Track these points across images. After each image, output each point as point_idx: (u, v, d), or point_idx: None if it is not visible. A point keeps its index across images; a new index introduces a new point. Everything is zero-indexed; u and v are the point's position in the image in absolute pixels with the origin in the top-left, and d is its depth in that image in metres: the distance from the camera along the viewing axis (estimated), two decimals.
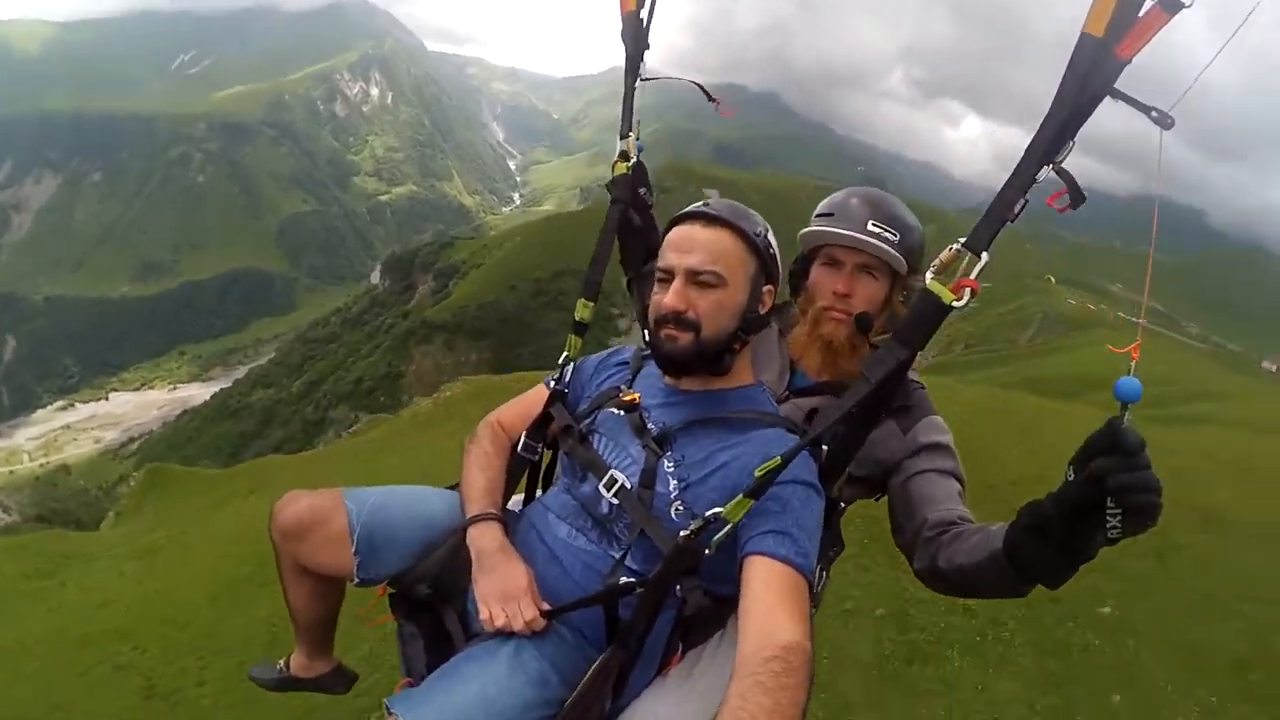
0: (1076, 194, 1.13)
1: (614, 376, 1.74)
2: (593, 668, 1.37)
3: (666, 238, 1.57)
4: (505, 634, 1.40)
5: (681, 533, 1.35)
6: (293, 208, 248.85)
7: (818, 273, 1.79)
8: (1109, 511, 1.02)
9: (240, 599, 9.04)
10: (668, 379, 1.61)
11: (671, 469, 1.49)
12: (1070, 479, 1.09)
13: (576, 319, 1.76)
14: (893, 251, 1.70)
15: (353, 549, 1.58)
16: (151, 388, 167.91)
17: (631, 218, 1.92)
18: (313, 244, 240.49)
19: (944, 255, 1.22)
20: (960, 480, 1.66)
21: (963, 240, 1.19)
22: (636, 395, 1.61)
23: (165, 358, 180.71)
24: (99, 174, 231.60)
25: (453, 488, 1.76)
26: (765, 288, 1.58)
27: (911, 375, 1.68)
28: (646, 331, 1.66)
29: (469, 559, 1.53)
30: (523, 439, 1.77)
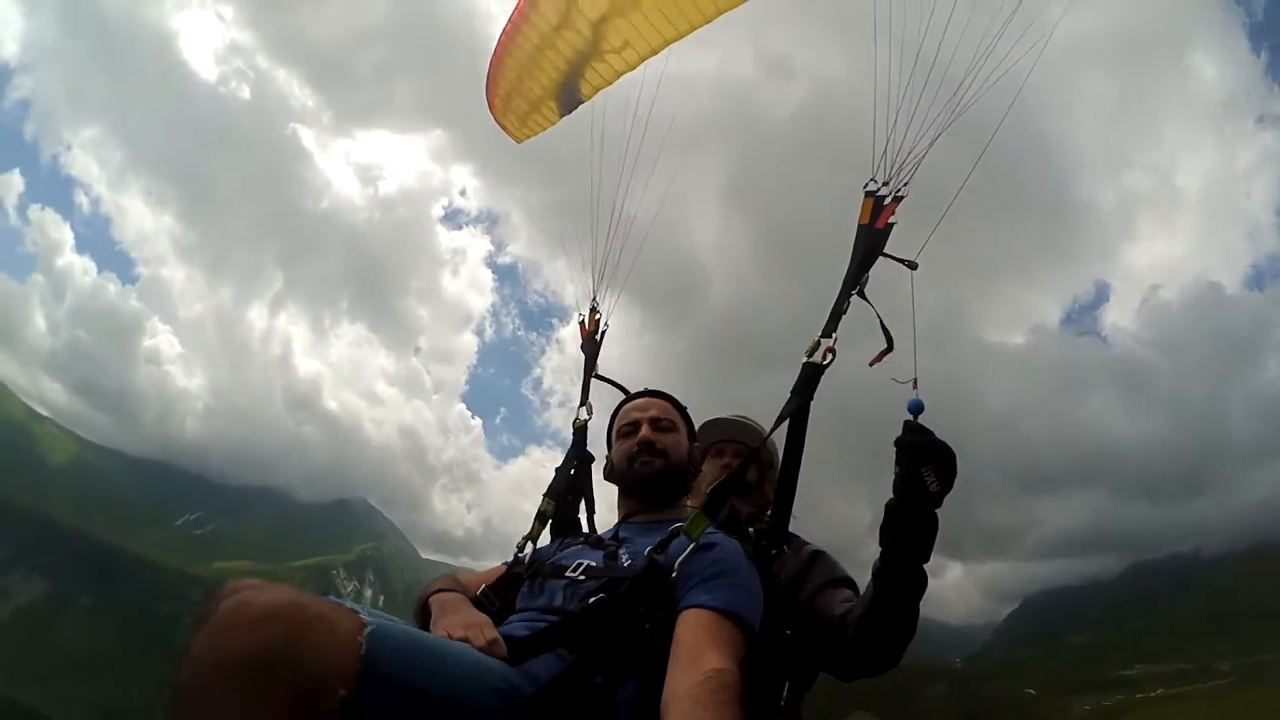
0: (886, 336, 1.84)
1: (566, 546, 2.13)
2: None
3: (622, 410, 2.19)
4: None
5: (648, 548, 1.52)
6: None
7: (708, 463, 2.50)
8: (924, 474, 1.48)
9: None
10: (626, 516, 2.11)
11: (625, 554, 1.84)
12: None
13: (540, 510, 2.35)
14: (757, 427, 2.47)
15: (363, 637, 1.24)
16: None
17: (587, 460, 2.52)
18: None
19: (810, 344, 1.89)
20: (848, 582, 2.07)
21: (820, 334, 1.91)
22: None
23: None
24: (86, 597, 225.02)
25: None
26: (694, 443, 2.21)
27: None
28: (618, 474, 2.16)
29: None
30: (481, 588, 2.04)
